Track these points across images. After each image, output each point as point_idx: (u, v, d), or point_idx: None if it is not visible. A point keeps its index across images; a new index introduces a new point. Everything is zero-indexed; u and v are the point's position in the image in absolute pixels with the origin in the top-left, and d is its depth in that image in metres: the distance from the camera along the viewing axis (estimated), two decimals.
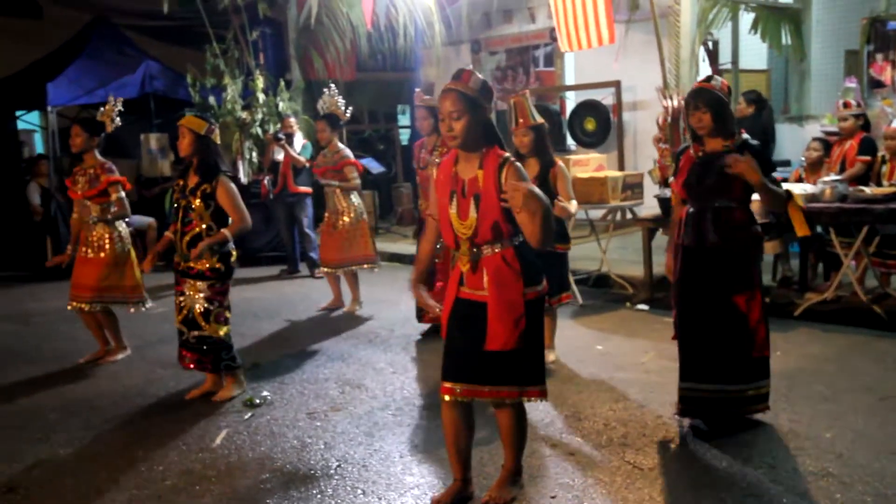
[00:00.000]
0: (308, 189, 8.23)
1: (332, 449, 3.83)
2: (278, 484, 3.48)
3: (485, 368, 2.93)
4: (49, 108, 9.42)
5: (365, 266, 6.63)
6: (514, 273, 2.87)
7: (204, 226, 4.38)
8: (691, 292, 3.79)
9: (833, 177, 5.81)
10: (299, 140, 8.41)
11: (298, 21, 10.63)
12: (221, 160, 4.51)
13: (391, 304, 6.85)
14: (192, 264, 4.41)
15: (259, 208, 9.09)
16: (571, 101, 10.73)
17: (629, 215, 7.23)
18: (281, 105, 9.63)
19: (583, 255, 7.69)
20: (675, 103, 6.98)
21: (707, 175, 3.67)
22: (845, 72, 8.92)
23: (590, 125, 10.09)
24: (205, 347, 4.48)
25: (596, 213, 7.54)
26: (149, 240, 9.64)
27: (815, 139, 6.65)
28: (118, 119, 5.32)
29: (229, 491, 3.44)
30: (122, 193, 5.29)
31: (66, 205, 5.52)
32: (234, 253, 4.55)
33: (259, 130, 9.49)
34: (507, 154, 2.91)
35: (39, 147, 12.02)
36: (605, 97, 9.81)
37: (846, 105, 6.24)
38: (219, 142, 4.56)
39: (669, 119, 7.09)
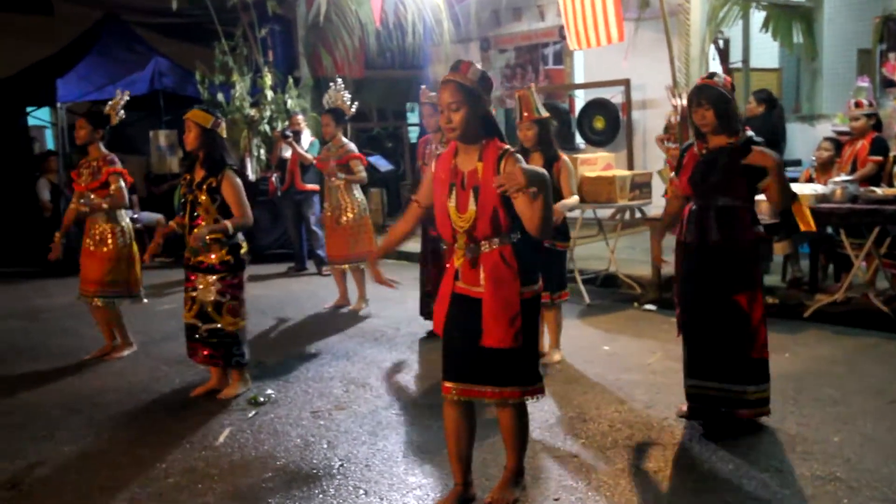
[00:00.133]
0: (316, 187, 8.23)
1: (335, 448, 3.81)
2: (281, 483, 3.47)
3: (484, 368, 2.91)
4: (59, 105, 9.46)
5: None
6: (512, 271, 2.84)
7: (211, 220, 4.37)
8: (693, 290, 3.79)
9: (844, 177, 5.76)
10: (307, 137, 8.40)
11: (307, 18, 10.63)
12: (228, 154, 4.49)
13: (397, 302, 6.82)
14: (201, 258, 4.40)
15: (267, 206, 9.12)
16: (580, 99, 10.69)
17: (637, 215, 7.19)
18: (289, 102, 9.63)
19: (591, 255, 7.66)
20: (685, 102, 6.92)
21: (711, 172, 3.65)
22: (857, 71, 8.83)
23: (599, 124, 10.05)
24: (216, 341, 4.47)
25: (604, 213, 7.49)
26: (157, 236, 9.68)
27: (826, 139, 6.58)
28: (122, 112, 5.32)
29: (231, 489, 3.43)
30: (122, 184, 5.27)
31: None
32: (244, 245, 4.53)
33: (267, 128, 9.49)
34: (507, 146, 2.88)
35: (50, 143, 12.07)
36: (615, 96, 9.75)
37: (858, 104, 6.18)
38: (225, 135, 4.54)
39: (679, 118, 7.05)
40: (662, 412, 4.06)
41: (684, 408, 3.94)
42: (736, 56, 9.76)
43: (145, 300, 5.66)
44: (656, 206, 7.04)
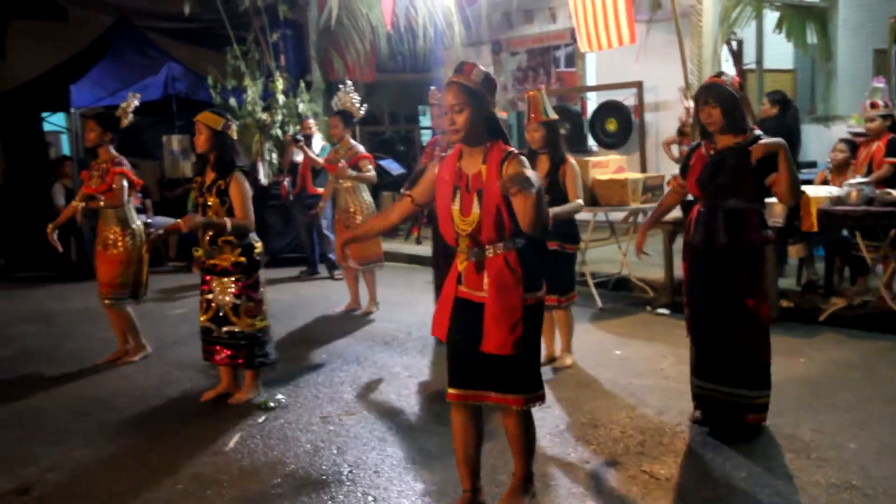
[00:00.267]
0: (321, 189, 8.23)
1: (344, 454, 3.80)
2: (290, 489, 3.46)
3: (487, 374, 2.88)
4: (72, 110, 9.52)
5: (378, 265, 6.68)
6: (516, 277, 2.82)
7: None
8: (700, 293, 3.77)
9: (859, 179, 5.69)
10: (318, 141, 8.41)
11: (319, 22, 10.65)
12: (238, 156, 4.48)
13: (408, 306, 6.82)
14: (215, 261, 4.41)
15: (279, 210, 9.14)
16: (593, 101, 10.64)
17: None
18: (301, 106, 9.65)
19: (603, 258, 7.61)
20: None
21: (719, 173, 3.62)
22: (873, 71, 8.74)
23: (611, 126, 10.00)
24: (237, 343, 4.46)
25: (616, 216, 7.44)
26: (170, 241, 9.73)
27: (841, 140, 6.51)
28: (132, 115, 5.34)
29: (240, 495, 3.42)
30: (124, 183, 5.26)
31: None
32: (258, 245, 4.52)
33: (279, 132, 9.52)
34: (512, 148, 2.85)
35: (66, 148, 12.16)
36: (627, 98, 9.70)
37: (873, 105, 6.10)
38: (235, 137, 4.54)
39: (691, 120, 6.99)
40: (675, 418, 4.02)
41: (697, 413, 3.91)
42: (750, 57, 9.69)
43: (147, 301, 5.67)
44: None
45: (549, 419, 4.04)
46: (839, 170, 6.26)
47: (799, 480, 3.29)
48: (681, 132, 8.20)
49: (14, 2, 11.35)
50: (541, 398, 2.97)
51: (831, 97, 9.74)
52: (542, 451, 3.65)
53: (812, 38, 9.20)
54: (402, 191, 5.84)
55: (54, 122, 11.75)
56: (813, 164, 8.07)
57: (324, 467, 3.66)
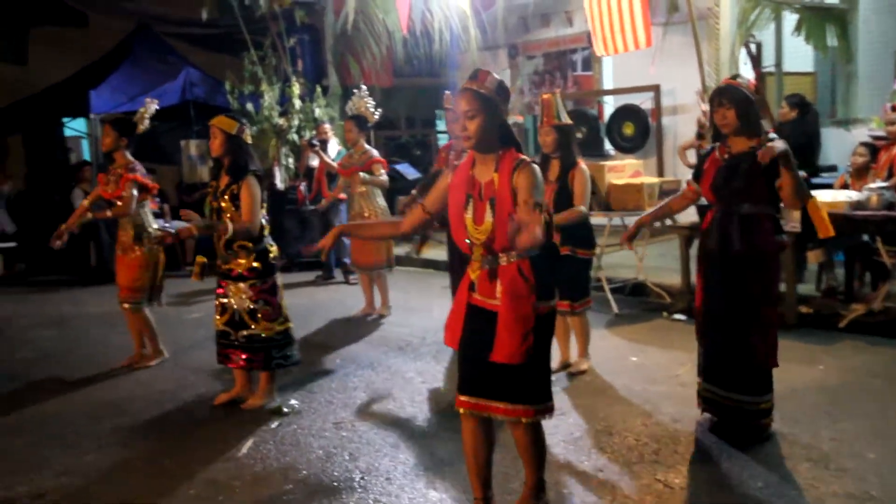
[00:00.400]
0: (343, 195, 8.24)
1: (356, 460, 3.79)
2: (301, 495, 3.45)
3: (496, 383, 2.86)
4: (92, 115, 9.61)
5: (387, 269, 6.71)
6: (529, 286, 2.79)
7: None
8: (714, 298, 3.74)
9: (880, 183, 5.61)
10: (334, 146, 8.42)
11: (335, 27, 10.68)
12: (252, 160, 4.47)
13: (423, 311, 6.81)
14: (230, 266, 4.42)
15: (295, 214, 9.17)
16: (610, 105, 10.58)
17: (668, 222, 7.07)
18: (317, 111, 9.68)
19: (619, 263, 7.55)
20: None
21: (733, 177, 3.59)
22: (894, 74, 8.62)
23: (628, 130, 9.93)
24: (254, 346, 4.46)
25: (632, 220, 7.38)
26: (188, 245, 9.79)
27: (861, 144, 6.42)
28: (148, 121, 5.37)
29: (252, 501, 3.42)
30: (133, 192, 5.26)
31: (105, 206, 5.67)
32: (273, 250, 4.52)
33: (296, 137, 9.55)
34: (524, 156, 2.83)
35: (86, 153, 12.30)
36: (644, 101, 9.64)
37: (894, 108, 6.01)
38: (250, 141, 4.55)
39: (708, 123, 6.92)
40: (690, 426, 3.97)
41: (705, 416, 3.92)
42: (769, 60, 9.59)
43: (164, 305, 5.70)
44: (685, 213, 6.92)
45: (563, 426, 4.01)
46: (859, 174, 6.17)
47: (816, 491, 3.23)
48: (699, 135, 8.12)
49: (36, 9, 11.49)
50: (549, 410, 2.93)
51: (851, 100, 9.62)
52: (555, 459, 3.62)
53: (832, 40, 9.10)
54: (412, 192, 5.84)
55: (75, 127, 11.89)
56: (833, 168, 7.97)
57: (336, 473, 3.65)
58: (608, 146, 10.34)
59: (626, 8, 7.58)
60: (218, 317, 4.52)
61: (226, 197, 4.35)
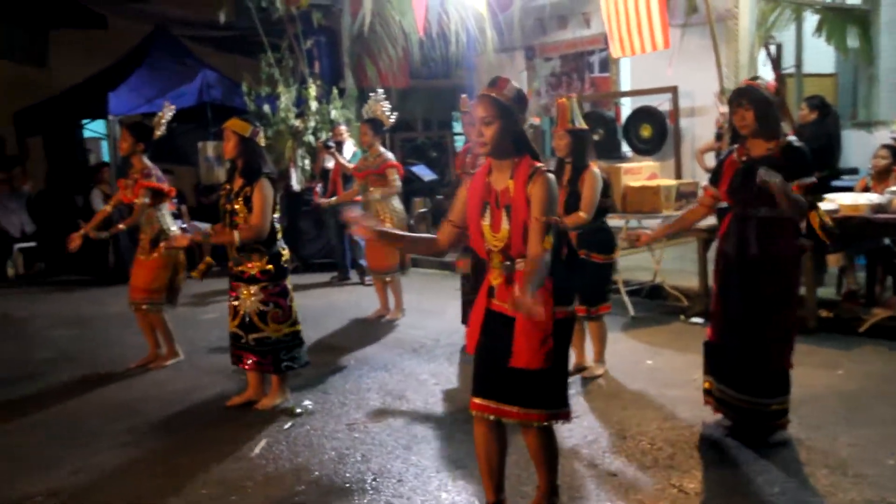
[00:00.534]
0: (358, 196, 8.25)
1: (368, 461, 3.77)
2: (313, 496, 3.44)
3: (512, 387, 2.84)
4: (111, 117, 9.68)
5: (399, 272, 6.74)
6: (545, 291, 2.77)
7: None
8: (733, 302, 3.70)
9: None
10: (349, 148, 8.44)
11: (352, 29, 10.69)
12: (265, 162, 4.48)
13: (437, 313, 6.79)
14: (242, 268, 4.42)
15: (311, 215, 9.19)
16: (627, 107, 10.51)
17: None
18: (333, 113, 9.69)
19: (636, 266, 7.50)
20: None
21: (752, 180, 3.54)
22: None
23: (646, 132, 9.85)
24: (263, 349, 4.47)
25: (650, 223, 7.33)
26: (204, 247, 9.84)
27: (883, 146, 6.33)
28: (165, 126, 5.41)
29: (263, 501, 3.42)
30: (146, 199, 5.30)
31: (126, 210, 5.71)
32: (285, 253, 4.52)
33: (312, 138, 9.57)
34: (539, 164, 2.82)
35: (106, 155, 12.40)
36: (662, 103, 9.55)
37: None
38: (264, 144, 4.55)
39: (727, 125, 6.86)
40: (706, 431, 3.92)
41: (719, 418, 3.89)
42: (789, 61, 9.49)
43: (179, 307, 5.72)
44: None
45: (578, 430, 3.97)
46: (881, 176, 6.08)
47: (834, 498, 3.18)
48: (719, 136, 8.04)
49: (56, 12, 11.61)
50: (565, 416, 2.91)
51: (873, 102, 9.50)
52: (570, 463, 3.59)
53: (853, 41, 8.98)
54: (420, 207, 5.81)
55: (94, 128, 11.99)
56: (854, 171, 7.87)
57: (348, 475, 3.64)
58: (625, 148, 10.27)
59: (644, 9, 7.52)
60: (231, 319, 4.54)
61: (239, 199, 4.36)
